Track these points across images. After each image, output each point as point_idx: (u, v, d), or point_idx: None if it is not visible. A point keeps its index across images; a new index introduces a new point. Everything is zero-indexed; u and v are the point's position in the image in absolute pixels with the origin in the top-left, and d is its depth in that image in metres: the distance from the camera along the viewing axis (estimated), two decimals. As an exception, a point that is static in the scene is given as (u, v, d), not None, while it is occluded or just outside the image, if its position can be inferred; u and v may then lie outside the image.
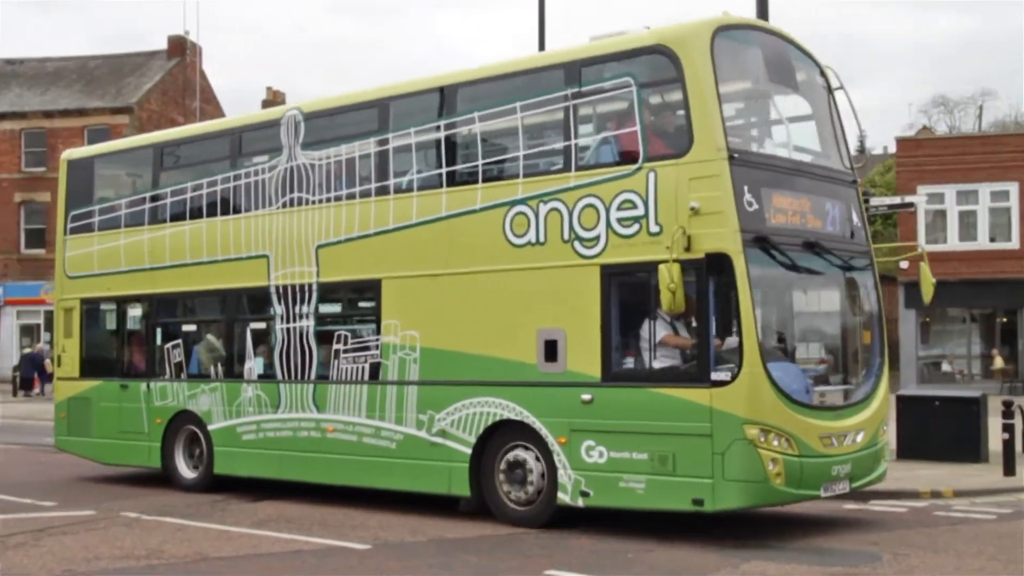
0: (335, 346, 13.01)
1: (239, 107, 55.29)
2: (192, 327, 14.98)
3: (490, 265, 11.67)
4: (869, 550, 10.10)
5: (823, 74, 11.76)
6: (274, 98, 52.25)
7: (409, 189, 12.51)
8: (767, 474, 10.01)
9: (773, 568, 9.41)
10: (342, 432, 12.86)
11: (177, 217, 14.93)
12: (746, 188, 10.25)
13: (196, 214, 14.71)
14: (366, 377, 12.68)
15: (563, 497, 11.03)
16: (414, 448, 12.18)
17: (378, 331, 12.59)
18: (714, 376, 10.11)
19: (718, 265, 10.12)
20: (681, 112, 10.56)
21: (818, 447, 10.40)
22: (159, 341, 15.10)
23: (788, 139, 11.13)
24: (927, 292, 11.71)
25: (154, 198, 15.28)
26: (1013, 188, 37.04)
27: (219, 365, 14.37)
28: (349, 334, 12.97)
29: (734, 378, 10.02)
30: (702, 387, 10.16)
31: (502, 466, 11.53)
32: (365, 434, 12.63)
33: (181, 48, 49.36)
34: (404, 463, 12.29)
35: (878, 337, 11.75)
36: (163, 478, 15.02)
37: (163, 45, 49.87)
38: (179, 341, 14.85)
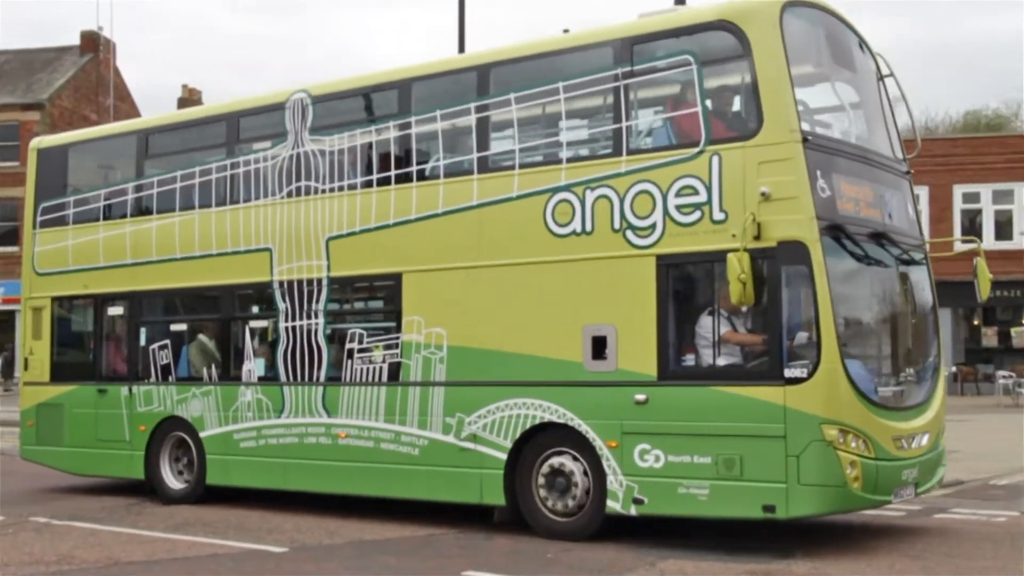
0: (348, 345, 12.09)
1: (154, 104, 54.12)
2: (182, 326, 13.91)
3: (529, 257, 10.87)
4: (783, 547, 9.89)
5: (875, 60, 11.21)
6: (190, 96, 51.28)
7: (434, 176, 11.67)
8: (846, 478, 9.34)
9: (690, 566, 9.32)
10: (357, 438, 11.94)
11: (165, 209, 13.88)
12: (819, 173, 9.62)
13: (187, 206, 13.68)
14: (384, 378, 11.78)
15: (613, 505, 10.25)
16: (440, 454, 11.31)
17: (398, 329, 11.70)
18: (788, 373, 9.42)
19: (792, 254, 9.44)
20: (747, 92, 9.90)
21: (891, 450, 9.77)
22: (143, 342, 14.02)
23: (851, 125, 10.52)
24: (984, 288, 11.17)
25: (138, 188, 14.21)
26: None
27: (213, 367, 13.34)
28: (364, 332, 12.06)
29: (811, 375, 9.34)
30: (775, 385, 9.45)
31: (541, 473, 10.72)
32: (383, 440, 11.73)
33: (94, 44, 48.17)
34: (428, 470, 11.40)
35: (935, 336, 11.20)
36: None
37: (76, 41, 48.48)
38: (166, 342, 13.79)
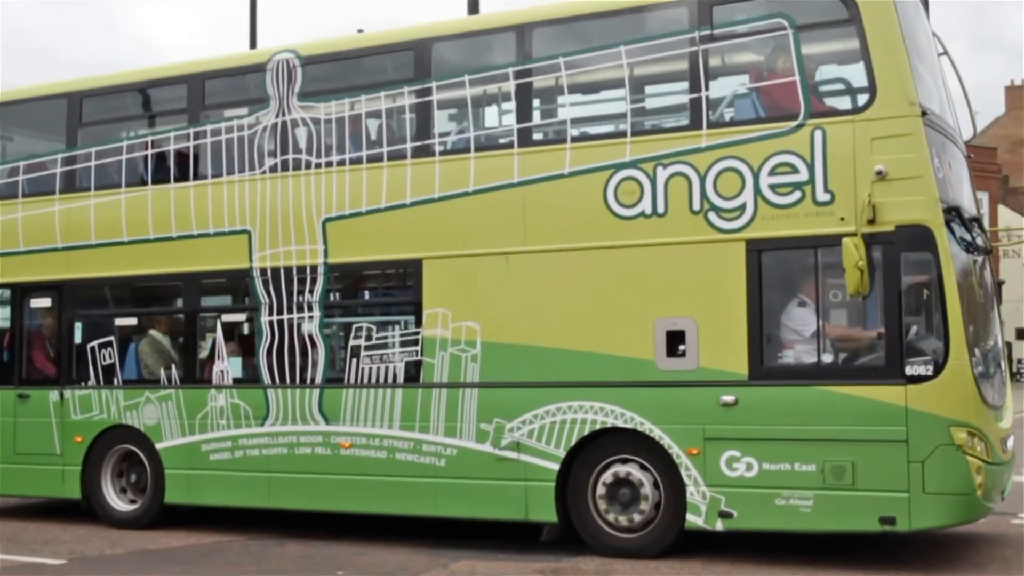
0: (353, 342, 10.55)
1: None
2: (130, 321, 11.99)
3: (586, 241, 9.64)
4: (573, 545, 9.67)
5: (935, 37, 10.49)
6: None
7: (462, 150, 10.28)
8: (974, 485, 8.51)
9: (481, 566, 9.21)
10: (365, 448, 10.41)
11: (106, 185, 11.93)
12: (934, 152, 8.78)
13: (136, 181, 11.80)
14: (400, 379, 10.31)
15: (694, 520, 9.14)
16: (473, 465, 9.94)
17: (418, 323, 10.26)
18: (910, 370, 8.52)
19: (913, 239, 8.56)
20: (854, 60, 8.97)
21: (1000, 453, 9.03)
22: (79, 339, 12.03)
23: (942, 104, 9.73)
24: None
25: (69, 161, 12.19)
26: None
27: (173, 368, 11.51)
28: (373, 327, 10.55)
29: (937, 372, 8.47)
30: (894, 384, 8.54)
31: (603, 482, 9.52)
32: (399, 449, 10.26)
33: None
34: (458, 484, 10.01)
35: (1001, 330, 10.57)
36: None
37: None
38: (110, 339, 11.84)
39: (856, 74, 9.00)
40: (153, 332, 11.81)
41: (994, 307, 10.27)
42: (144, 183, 11.71)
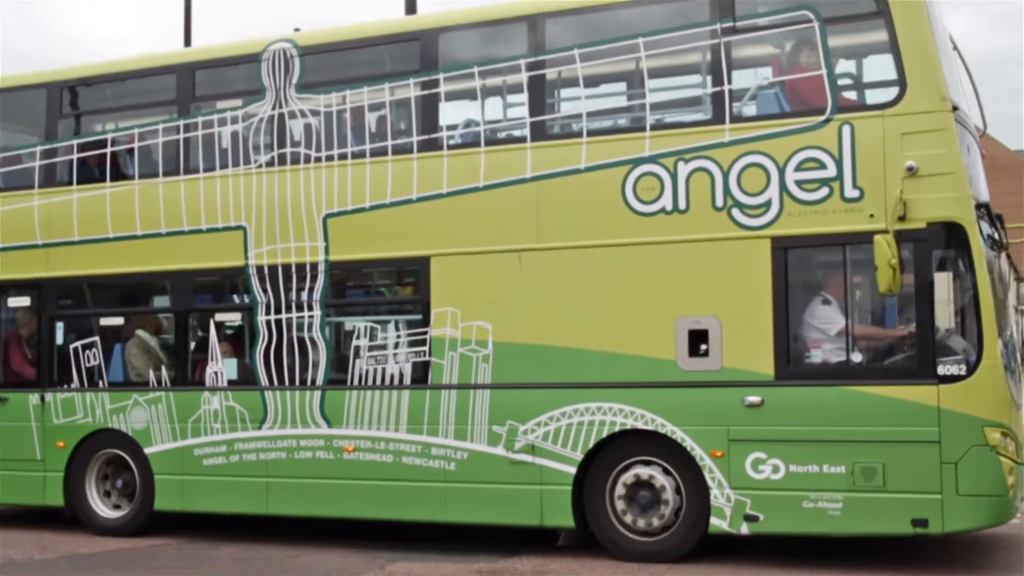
0: (356, 342, 10.20)
1: None
2: (116, 321, 11.52)
3: (603, 238, 9.38)
4: (511, 545, 9.77)
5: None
6: None
7: (471, 143, 9.98)
8: (1007, 486, 8.39)
9: (419, 568, 9.18)
10: (369, 452, 10.07)
11: (89, 179, 11.46)
12: (964, 148, 8.65)
13: (122, 175, 11.34)
14: (407, 381, 9.98)
15: (718, 523, 8.93)
16: (485, 469, 9.64)
17: (425, 322, 9.93)
18: (942, 370, 8.36)
19: (946, 236, 8.42)
20: (883, 54, 8.81)
21: None
22: (60, 340, 11.53)
23: (966, 101, 9.60)
24: None
25: (49, 153, 11.69)
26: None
27: (163, 370, 11.07)
28: (378, 327, 10.21)
29: (971, 372, 8.33)
30: (926, 383, 8.39)
31: (623, 482, 9.27)
32: (406, 453, 9.93)
33: None
34: (468, 488, 9.71)
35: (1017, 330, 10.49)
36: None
37: None
38: (94, 340, 11.37)
39: (885, 68, 8.83)
40: (141, 332, 11.36)
41: (1008, 303, 10.17)
42: (129, 176, 11.24)
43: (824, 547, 9.38)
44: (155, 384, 11.01)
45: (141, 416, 11.01)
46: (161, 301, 11.51)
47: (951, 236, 8.40)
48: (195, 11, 25.93)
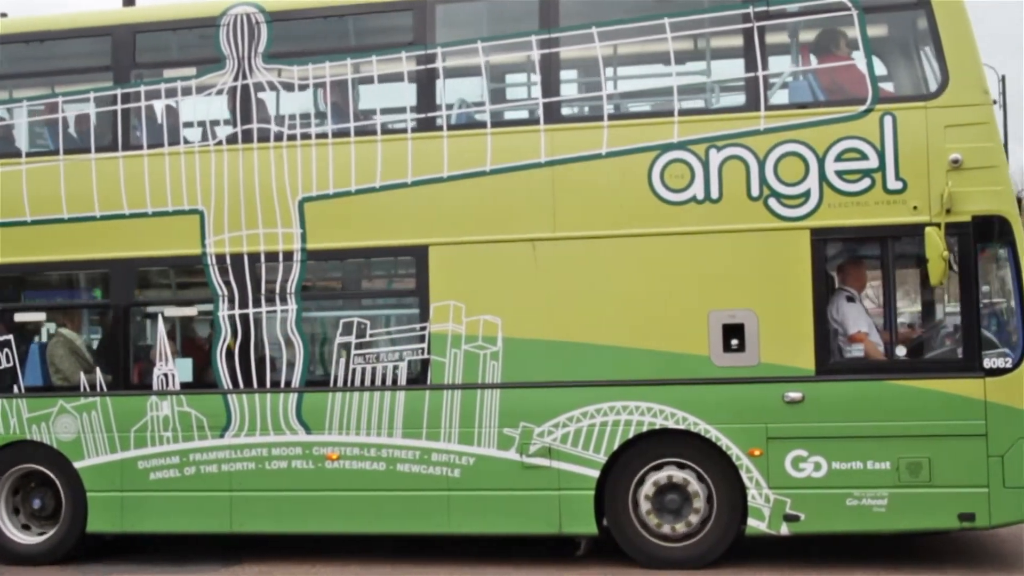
0: (341, 339, 9.26)
1: None
2: (34, 317, 10.03)
3: (628, 228, 8.88)
4: (231, 555, 9.79)
5: None
6: None
7: (475, 124, 9.27)
8: None
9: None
10: (357, 459, 9.15)
11: (4, 154, 9.95)
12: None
13: (44, 149, 9.90)
14: (402, 380, 9.14)
15: (757, 525, 8.60)
16: (495, 475, 8.94)
17: (423, 317, 9.12)
18: (988, 363, 8.35)
19: (990, 229, 8.42)
20: (924, 45, 8.75)
21: None
22: (-38, 339, 9.95)
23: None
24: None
25: (-56, 123, 10.08)
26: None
27: (97, 372, 9.70)
28: (367, 322, 9.31)
29: (1016, 364, 8.35)
30: (972, 377, 8.35)
31: (653, 482, 8.78)
32: (402, 460, 9.08)
33: None
34: (475, 496, 8.97)
35: None
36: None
37: None
38: (7, 338, 9.86)
39: (925, 60, 8.78)
40: (64, 331, 9.93)
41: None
42: (54, 152, 9.82)
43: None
44: (87, 389, 9.64)
45: (69, 425, 9.62)
46: (95, 294, 10.13)
47: (996, 229, 8.40)
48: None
